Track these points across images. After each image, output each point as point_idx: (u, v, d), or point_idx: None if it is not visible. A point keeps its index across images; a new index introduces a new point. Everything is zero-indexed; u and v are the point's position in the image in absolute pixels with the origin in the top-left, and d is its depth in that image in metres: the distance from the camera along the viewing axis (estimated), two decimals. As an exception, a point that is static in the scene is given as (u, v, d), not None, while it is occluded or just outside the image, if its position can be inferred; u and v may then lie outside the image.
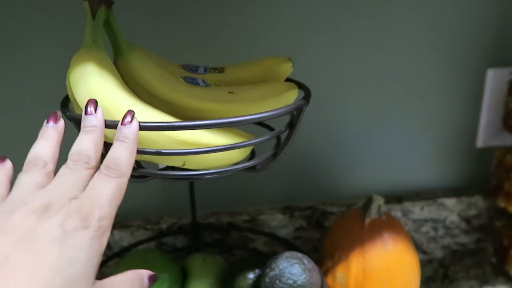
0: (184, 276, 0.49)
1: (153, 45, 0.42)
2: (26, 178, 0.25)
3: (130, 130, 0.27)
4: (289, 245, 0.52)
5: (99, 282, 0.23)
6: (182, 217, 0.58)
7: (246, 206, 0.60)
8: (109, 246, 0.56)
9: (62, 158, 0.27)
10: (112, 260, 0.55)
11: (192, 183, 0.52)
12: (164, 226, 0.56)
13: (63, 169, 0.26)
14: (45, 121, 0.28)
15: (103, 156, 0.27)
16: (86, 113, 0.27)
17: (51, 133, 0.27)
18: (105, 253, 0.56)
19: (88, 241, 0.23)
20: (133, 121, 0.27)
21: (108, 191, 0.25)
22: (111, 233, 0.55)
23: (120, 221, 0.57)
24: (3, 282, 0.20)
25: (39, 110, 0.52)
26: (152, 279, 0.27)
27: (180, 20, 0.51)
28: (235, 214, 0.58)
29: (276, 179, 0.60)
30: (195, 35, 0.51)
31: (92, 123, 0.27)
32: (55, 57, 0.50)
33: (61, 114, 0.28)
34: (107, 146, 0.27)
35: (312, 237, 0.60)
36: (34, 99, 0.51)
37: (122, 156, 0.26)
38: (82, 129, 0.27)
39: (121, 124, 0.27)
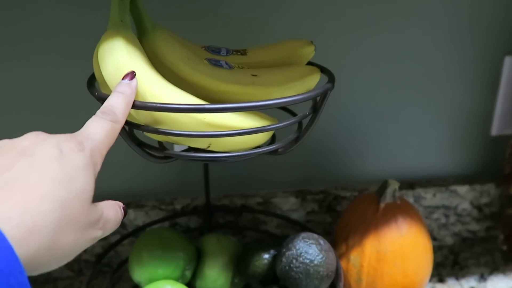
0: (198, 255, 0.50)
1: (173, 27, 0.42)
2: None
3: (129, 85, 0.28)
4: (302, 228, 0.53)
5: (93, 204, 0.24)
6: (195, 198, 0.59)
7: (259, 189, 0.61)
8: (123, 225, 0.57)
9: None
10: (127, 239, 0.56)
11: (207, 165, 0.53)
12: (178, 206, 0.57)
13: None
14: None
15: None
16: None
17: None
18: (119, 232, 0.57)
19: (85, 163, 0.24)
20: (133, 79, 0.28)
21: (101, 129, 0.26)
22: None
23: (135, 201, 0.58)
24: (9, 190, 0.20)
25: (62, 91, 0.52)
26: (124, 211, 0.28)
27: (200, 2, 0.50)
28: (248, 197, 0.59)
29: (290, 163, 0.60)
30: (214, 17, 0.51)
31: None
32: (77, 36, 0.50)
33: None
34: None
35: (324, 221, 0.61)
36: (57, 79, 0.51)
37: (119, 105, 0.27)
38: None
39: (122, 80, 0.28)
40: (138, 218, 0.57)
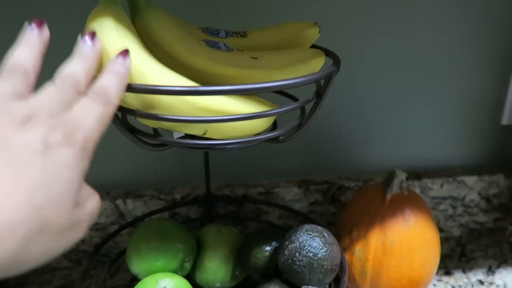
0: (198, 247, 0.48)
1: (170, 7, 0.40)
2: (3, 85, 0.22)
3: (123, 64, 0.25)
4: (305, 219, 0.51)
5: (78, 204, 0.22)
6: (196, 187, 0.57)
7: (261, 179, 0.59)
8: (122, 215, 0.55)
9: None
10: (125, 230, 0.55)
11: (207, 154, 0.51)
12: (177, 196, 0.56)
13: (48, 86, 0.23)
14: (27, 24, 0.25)
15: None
16: (83, 40, 0.26)
17: (35, 40, 0.24)
18: (118, 222, 0.56)
19: (72, 160, 0.21)
20: (126, 58, 0.26)
21: (94, 114, 0.23)
22: (124, 202, 0.54)
23: (134, 191, 0.56)
24: None
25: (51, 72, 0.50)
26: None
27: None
28: (250, 187, 0.57)
29: (292, 152, 0.59)
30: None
31: (87, 52, 0.25)
32: (67, 16, 0.48)
33: (45, 22, 0.25)
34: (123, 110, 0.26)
35: (327, 212, 0.59)
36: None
37: (112, 85, 0.24)
38: (75, 54, 0.25)
39: (116, 58, 0.26)
40: (137, 208, 0.55)
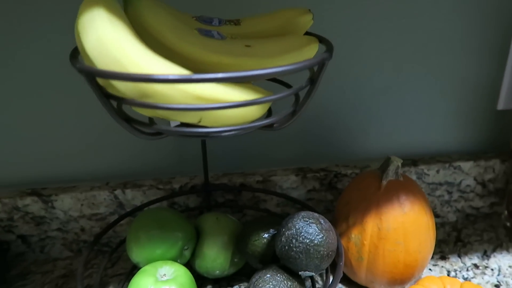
0: (197, 235, 0.49)
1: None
2: None
3: None
4: (303, 206, 0.52)
5: None
6: (194, 177, 0.58)
7: (259, 167, 0.59)
8: (121, 205, 0.56)
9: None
10: (125, 219, 0.56)
11: (205, 143, 0.51)
12: (176, 186, 0.56)
13: None
14: None
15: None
16: None
17: None
18: (117, 212, 0.56)
19: None
20: None
21: None
22: (123, 191, 0.55)
23: (132, 181, 0.57)
24: None
25: (46, 63, 0.50)
26: None
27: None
28: (247, 175, 0.58)
29: (289, 140, 0.59)
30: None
31: None
32: (61, 8, 0.47)
33: None
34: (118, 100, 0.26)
35: (325, 199, 0.60)
36: (40, 52, 0.50)
37: None
38: None
39: None
40: (136, 198, 0.56)
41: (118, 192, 0.55)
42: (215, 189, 0.55)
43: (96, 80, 0.28)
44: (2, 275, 0.53)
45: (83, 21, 0.27)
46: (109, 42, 0.26)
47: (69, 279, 0.53)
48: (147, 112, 0.31)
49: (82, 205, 0.55)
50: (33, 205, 0.54)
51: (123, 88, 0.27)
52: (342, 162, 0.60)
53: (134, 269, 0.53)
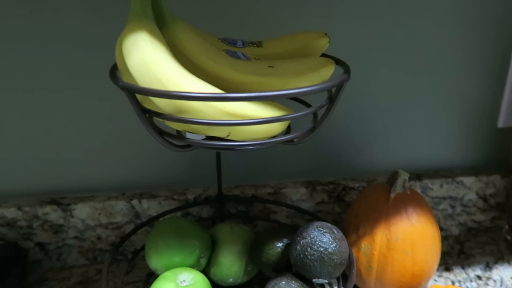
0: (212, 244, 0.51)
1: (187, 17, 0.43)
2: None
3: None
4: (313, 217, 0.54)
5: None
6: (207, 188, 0.60)
7: (269, 180, 0.62)
8: (137, 214, 0.58)
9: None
10: (141, 229, 0.58)
11: (219, 156, 0.54)
12: (190, 196, 0.58)
13: None
14: None
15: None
16: None
17: None
18: (133, 222, 0.58)
19: None
20: None
21: None
22: (139, 202, 0.57)
23: (148, 191, 0.59)
24: None
25: (86, 80, 0.53)
26: None
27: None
28: (259, 187, 0.60)
29: (299, 155, 0.61)
30: (227, 9, 0.52)
31: None
32: (89, 24, 0.50)
33: None
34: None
35: (333, 211, 0.62)
36: (76, 70, 0.52)
37: None
38: None
39: None
40: (151, 208, 0.58)
41: (134, 202, 0.57)
42: (228, 200, 0.58)
43: (136, 96, 0.31)
44: (20, 282, 0.54)
45: (128, 43, 0.30)
46: (152, 63, 0.29)
47: (85, 286, 0.55)
48: (180, 126, 0.33)
49: (99, 214, 0.57)
50: (52, 214, 0.56)
51: (162, 104, 0.30)
52: (350, 176, 0.63)
53: (149, 277, 0.54)
